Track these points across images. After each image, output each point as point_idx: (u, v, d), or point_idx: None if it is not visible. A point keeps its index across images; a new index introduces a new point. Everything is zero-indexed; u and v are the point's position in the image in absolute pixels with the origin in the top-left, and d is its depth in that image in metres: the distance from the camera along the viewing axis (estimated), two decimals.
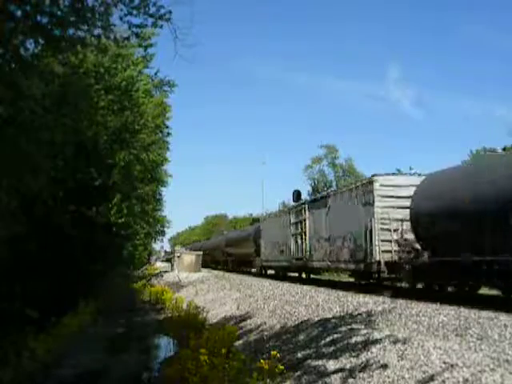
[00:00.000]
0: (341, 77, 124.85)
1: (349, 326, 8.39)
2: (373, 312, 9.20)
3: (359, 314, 9.37)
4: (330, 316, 9.83)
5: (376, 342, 7.01)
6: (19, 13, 8.04)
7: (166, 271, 44.51)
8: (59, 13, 8.11)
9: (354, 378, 6.13)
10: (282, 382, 6.77)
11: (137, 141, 17.90)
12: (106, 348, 12.71)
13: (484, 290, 12.30)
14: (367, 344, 7.04)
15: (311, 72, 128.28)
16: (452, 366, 5.48)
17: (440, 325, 7.36)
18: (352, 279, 18.43)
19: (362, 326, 8.15)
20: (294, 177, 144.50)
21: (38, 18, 8.15)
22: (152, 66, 19.04)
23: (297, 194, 29.20)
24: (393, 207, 13.76)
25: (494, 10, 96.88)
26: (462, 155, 38.53)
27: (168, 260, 55.84)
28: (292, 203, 29.12)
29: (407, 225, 13.31)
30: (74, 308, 15.50)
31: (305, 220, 19.99)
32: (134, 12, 8.50)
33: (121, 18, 8.55)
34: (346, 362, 6.71)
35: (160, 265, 64.12)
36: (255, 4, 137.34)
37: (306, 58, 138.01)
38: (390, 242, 13.48)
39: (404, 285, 14.14)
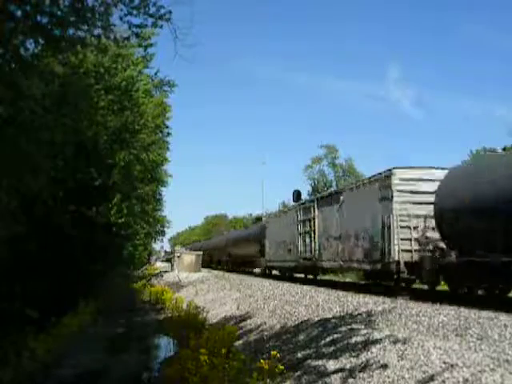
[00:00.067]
0: (341, 77, 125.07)
1: (349, 326, 8.39)
2: (373, 312, 9.20)
3: (359, 313, 9.37)
4: (330, 316, 9.83)
5: (376, 341, 7.01)
6: (19, 13, 8.06)
7: (166, 271, 44.51)
8: (59, 13, 8.13)
9: (354, 377, 6.13)
10: (282, 381, 6.77)
11: (137, 141, 17.92)
12: (105, 348, 12.70)
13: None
14: (367, 344, 7.04)
15: (311, 72, 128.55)
16: (452, 366, 5.48)
17: (440, 325, 7.36)
18: (353, 281, 18.22)
19: (362, 326, 8.15)
20: (294, 177, 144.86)
21: (38, 18, 8.17)
22: (152, 66, 19.12)
23: (297, 194, 29.27)
24: (413, 203, 12.91)
25: (493, 10, 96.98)
26: (462, 155, 38.56)
27: (168, 260, 55.85)
28: (292, 203, 29.13)
29: (428, 222, 12.53)
30: (74, 308, 15.50)
31: (314, 218, 18.97)
32: (134, 12, 8.52)
33: (121, 18, 8.58)
34: (346, 361, 6.71)
35: (160, 265, 64.15)
36: (255, 4, 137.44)
37: (306, 57, 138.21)
38: (410, 240, 12.67)
39: (422, 287, 13.57)
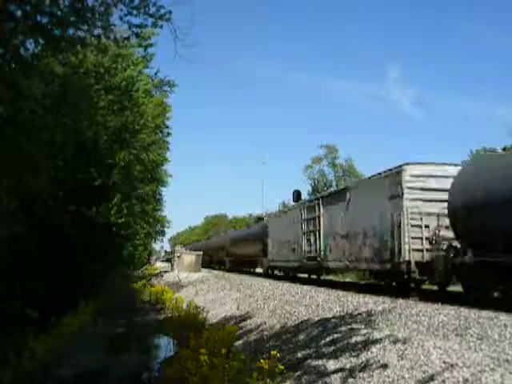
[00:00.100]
0: (341, 77, 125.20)
1: (349, 326, 8.39)
2: (373, 312, 9.20)
3: (359, 313, 9.37)
4: (330, 316, 9.83)
5: (376, 341, 7.01)
6: (19, 13, 8.06)
7: (166, 271, 44.53)
8: (59, 13, 8.13)
9: (354, 377, 6.13)
10: (282, 381, 6.77)
11: (137, 141, 17.92)
12: (105, 348, 12.71)
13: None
14: (367, 344, 7.04)
15: (311, 72, 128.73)
16: (452, 365, 5.48)
17: (440, 325, 7.36)
18: (359, 281, 17.90)
19: (362, 326, 8.15)
20: (293, 177, 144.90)
21: (38, 18, 8.17)
22: (152, 66, 19.13)
23: (297, 194, 29.22)
24: (424, 200, 12.40)
25: (493, 10, 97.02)
26: (462, 155, 38.53)
27: (168, 260, 55.84)
28: (292, 203, 29.06)
29: (441, 220, 12.06)
30: (74, 308, 15.50)
31: (319, 216, 18.28)
32: (134, 12, 8.52)
33: (121, 18, 8.58)
34: (346, 361, 6.71)
35: (160, 265, 64.15)
36: (255, 4, 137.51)
37: (306, 57, 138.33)
38: (421, 239, 12.21)
39: (431, 288, 13.24)
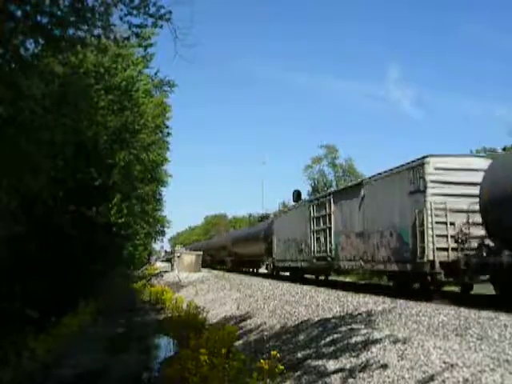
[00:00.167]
0: (341, 77, 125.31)
1: (349, 326, 8.39)
2: (373, 312, 9.20)
3: (359, 313, 9.37)
4: (330, 316, 9.83)
5: (376, 341, 7.01)
6: (19, 13, 8.06)
7: (166, 271, 44.54)
8: (59, 13, 8.12)
9: (354, 377, 6.13)
10: (282, 381, 6.77)
11: (137, 141, 17.92)
12: (105, 348, 12.71)
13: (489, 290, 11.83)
14: (367, 344, 7.04)
15: (311, 72, 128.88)
16: (452, 365, 5.48)
17: (440, 325, 7.36)
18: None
19: (362, 326, 8.15)
20: (294, 177, 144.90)
21: (38, 18, 8.17)
22: (152, 65, 19.13)
23: (297, 194, 29.20)
24: (449, 195, 11.51)
25: (493, 10, 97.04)
26: None
27: (168, 260, 55.84)
28: (292, 203, 28.97)
29: (471, 217, 11.27)
30: (74, 308, 15.50)
31: (330, 214, 17.16)
32: (134, 12, 8.52)
33: (121, 18, 8.59)
34: (346, 361, 6.71)
35: (160, 265, 64.16)
36: (255, 4, 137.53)
37: (306, 57, 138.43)
38: (446, 237, 11.28)
39: (453, 290, 12.66)
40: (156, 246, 64.74)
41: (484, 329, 6.73)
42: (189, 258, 39.88)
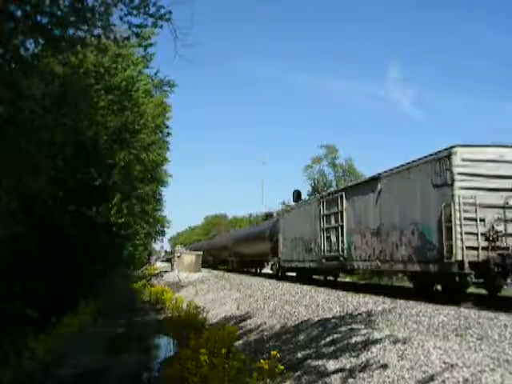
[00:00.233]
0: (341, 77, 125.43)
1: (349, 326, 8.39)
2: (373, 312, 9.20)
3: (359, 313, 9.37)
4: (330, 316, 9.83)
5: (376, 341, 7.01)
6: (19, 13, 8.07)
7: (166, 271, 44.54)
8: (59, 13, 8.13)
9: (354, 378, 6.13)
10: (282, 382, 6.77)
11: (137, 141, 17.94)
12: (105, 348, 12.70)
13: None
14: (367, 344, 7.04)
15: (311, 72, 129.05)
16: (452, 366, 5.48)
17: (440, 325, 7.36)
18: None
19: (362, 326, 8.15)
20: (294, 177, 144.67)
21: (38, 18, 8.17)
22: (152, 65, 19.15)
23: (297, 194, 29.17)
24: (479, 189, 10.58)
25: (493, 10, 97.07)
26: None
27: (168, 260, 55.85)
28: (292, 203, 28.90)
29: (501, 213, 10.46)
30: (74, 308, 15.50)
31: (341, 211, 16.15)
32: (134, 12, 8.53)
33: (121, 18, 8.60)
34: (346, 361, 6.71)
35: (160, 265, 64.18)
36: (255, 4, 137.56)
37: (306, 57, 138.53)
38: (476, 235, 10.38)
39: (480, 292, 11.86)
40: (156, 246, 64.85)
41: (484, 329, 6.73)
42: (189, 258, 39.88)
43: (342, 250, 15.98)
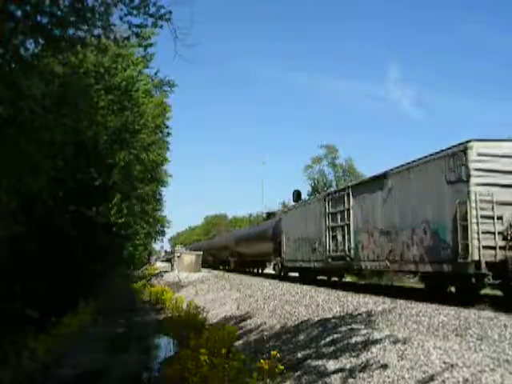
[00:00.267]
0: (341, 77, 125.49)
1: (349, 326, 8.39)
2: (373, 312, 9.20)
3: (359, 313, 9.37)
4: (330, 316, 9.83)
5: (376, 341, 7.01)
6: (19, 13, 8.07)
7: (166, 271, 44.53)
8: (59, 13, 8.13)
9: (354, 378, 6.13)
10: (282, 382, 6.77)
11: (137, 141, 17.95)
12: (105, 348, 12.70)
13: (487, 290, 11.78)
14: (367, 344, 7.04)
15: (311, 72, 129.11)
16: (452, 366, 5.48)
17: (440, 325, 7.36)
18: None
19: (362, 326, 8.15)
20: (294, 177, 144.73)
21: (38, 18, 8.18)
22: (152, 65, 19.16)
23: (297, 194, 29.19)
24: (496, 185, 10.09)
25: (493, 10, 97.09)
26: None
27: (168, 260, 55.84)
28: (292, 203, 28.87)
29: None
30: (74, 308, 15.50)
31: (348, 209, 15.62)
32: (134, 12, 8.53)
33: (121, 18, 8.60)
34: (346, 362, 6.71)
35: (160, 265, 64.18)
36: (255, 4, 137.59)
37: (306, 57, 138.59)
38: (493, 233, 9.89)
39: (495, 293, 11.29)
40: (156, 246, 64.89)
41: (484, 329, 6.73)
42: (189, 258, 39.86)
43: (349, 250, 15.48)
